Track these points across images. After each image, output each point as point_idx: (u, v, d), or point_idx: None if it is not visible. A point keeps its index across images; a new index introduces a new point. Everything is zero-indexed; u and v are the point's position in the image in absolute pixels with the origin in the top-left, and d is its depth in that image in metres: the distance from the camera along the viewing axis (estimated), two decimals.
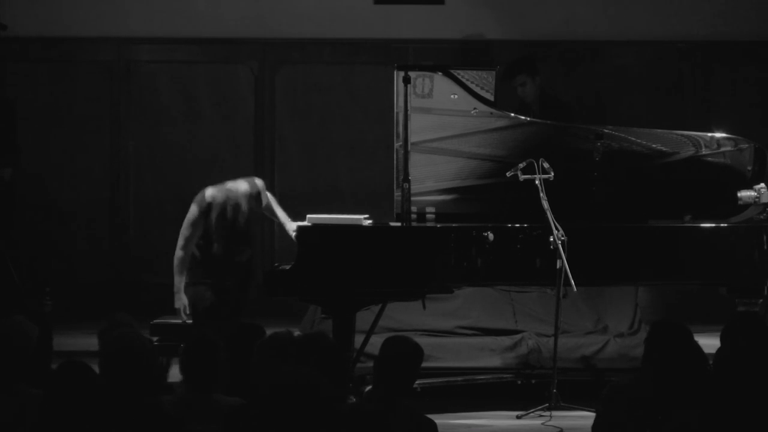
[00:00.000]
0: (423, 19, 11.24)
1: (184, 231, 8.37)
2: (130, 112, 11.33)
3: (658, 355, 5.51)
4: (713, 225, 8.14)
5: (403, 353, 5.41)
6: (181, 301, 8.33)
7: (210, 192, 8.34)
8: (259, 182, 8.49)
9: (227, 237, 8.27)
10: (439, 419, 5.46)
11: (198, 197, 8.38)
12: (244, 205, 8.28)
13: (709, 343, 5.88)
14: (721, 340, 5.82)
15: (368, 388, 7.99)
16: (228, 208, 8.24)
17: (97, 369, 5.05)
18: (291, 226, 8.26)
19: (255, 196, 8.38)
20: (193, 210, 8.36)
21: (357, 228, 7.91)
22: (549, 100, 9.48)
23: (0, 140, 9.58)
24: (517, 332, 9.07)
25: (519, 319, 9.22)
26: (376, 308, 8.17)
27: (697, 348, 5.36)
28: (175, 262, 8.36)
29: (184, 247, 8.35)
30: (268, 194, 8.55)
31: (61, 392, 4.82)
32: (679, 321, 6.03)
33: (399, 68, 8.03)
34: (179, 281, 8.38)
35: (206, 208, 8.29)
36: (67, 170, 11.24)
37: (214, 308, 8.24)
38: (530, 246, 7.84)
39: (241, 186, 8.37)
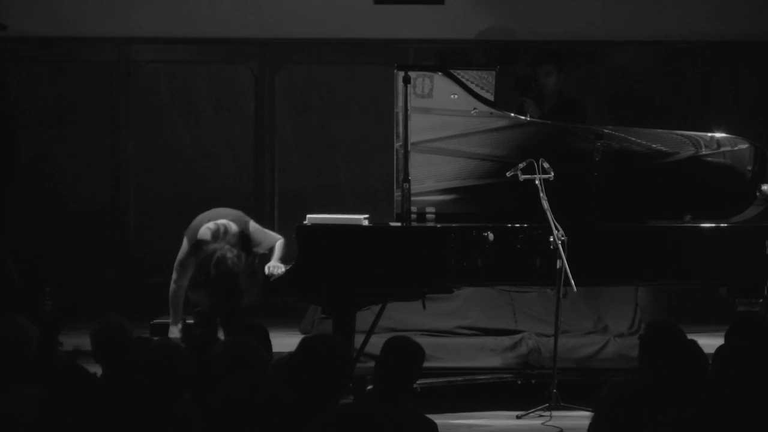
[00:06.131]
0: (423, 19, 11.24)
1: (177, 267, 8.19)
2: (130, 112, 11.32)
3: (654, 355, 5.52)
4: (713, 225, 8.15)
5: (405, 354, 5.42)
6: (173, 334, 8.16)
7: (203, 230, 8.12)
8: (247, 221, 8.27)
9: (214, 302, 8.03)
10: (439, 419, 5.47)
11: (190, 230, 8.20)
12: (231, 258, 7.93)
13: (709, 343, 5.87)
14: (726, 340, 5.82)
15: (369, 387, 8.01)
16: (212, 265, 7.90)
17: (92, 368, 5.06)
18: (273, 261, 8.08)
19: (244, 237, 8.15)
20: (185, 246, 8.18)
21: (357, 228, 7.91)
22: (565, 98, 9.47)
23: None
24: (517, 332, 9.08)
25: (519, 319, 9.23)
26: (376, 308, 8.18)
27: (695, 347, 5.36)
28: (170, 296, 8.25)
29: (177, 281, 8.18)
30: (257, 227, 8.31)
31: (59, 393, 4.82)
32: (672, 321, 6.04)
33: (399, 68, 8.03)
34: (174, 315, 8.26)
35: (196, 245, 8.08)
36: (67, 170, 11.23)
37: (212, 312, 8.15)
38: (530, 246, 7.84)
39: (231, 227, 8.13)
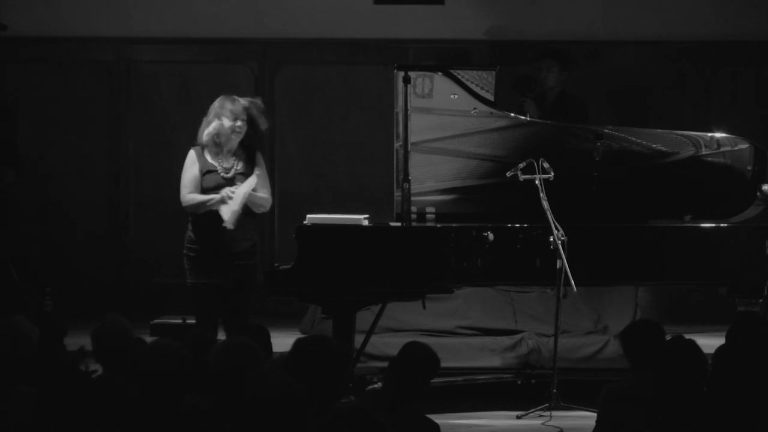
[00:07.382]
0: (423, 19, 11.24)
1: (183, 179, 8.12)
2: (130, 112, 11.32)
3: (638, 354, 5.54)
4: (713, 225, 8.15)
5: (421, 361, 5.45)
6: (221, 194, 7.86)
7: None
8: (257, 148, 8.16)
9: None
10: (440, 419, 5.48)
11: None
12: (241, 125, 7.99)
13: (709, 343, 5.88)
14: (727, 340, 5.82)
15: (370, 387, 8.01)
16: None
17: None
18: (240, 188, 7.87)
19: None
20: (191, 153, 8.13)
21: (357, 228, 7.91)
22: (566, 97, 9.47)
23: (1, 144, 9.55)
24: (517, 332, 9.08)
25: (519, 319, 9.23)
26: (376, 308, 8.17)
27: (694, 347, 5.36)
28: (187, 207, 8.03)
29: (188, 193, 8.04)
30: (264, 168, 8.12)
31: (56, 394, 4.82)
32: (650, 319, 6.05)
33: (399, 68, 8.03)
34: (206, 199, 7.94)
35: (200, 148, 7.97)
36: (66, 170, 11.23)
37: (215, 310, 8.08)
38: (530, 246, 7.84)
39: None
